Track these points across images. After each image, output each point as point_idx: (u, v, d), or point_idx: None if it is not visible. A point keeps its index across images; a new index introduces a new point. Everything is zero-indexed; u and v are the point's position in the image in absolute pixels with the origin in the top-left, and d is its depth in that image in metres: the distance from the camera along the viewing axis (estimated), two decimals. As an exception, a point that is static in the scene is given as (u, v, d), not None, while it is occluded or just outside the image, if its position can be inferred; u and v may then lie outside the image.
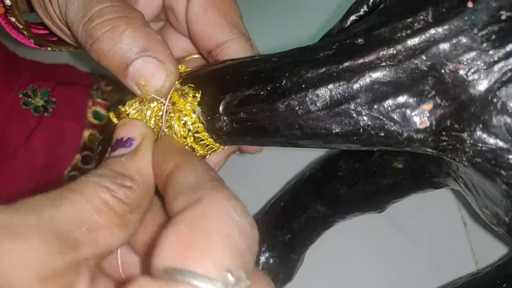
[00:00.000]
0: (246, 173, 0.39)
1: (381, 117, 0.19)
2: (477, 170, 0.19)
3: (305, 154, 0.36)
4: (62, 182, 0.38)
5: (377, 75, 0.19)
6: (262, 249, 0.33)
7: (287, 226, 0.32)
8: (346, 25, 0.27)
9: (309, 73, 0.20)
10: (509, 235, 0.21)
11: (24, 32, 0.27)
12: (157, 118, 0.22)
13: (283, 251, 0.33)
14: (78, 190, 0.17)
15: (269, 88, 0.20)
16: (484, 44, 0.18)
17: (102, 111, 0.40)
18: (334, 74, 0.19)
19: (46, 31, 0.30)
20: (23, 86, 0.37)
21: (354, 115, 0.19)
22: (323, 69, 0.19)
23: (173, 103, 0.22)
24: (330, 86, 0.19)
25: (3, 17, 0.27)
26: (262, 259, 0.33)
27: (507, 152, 0.17)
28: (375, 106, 0.19)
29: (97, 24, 0.21)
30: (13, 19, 0.26)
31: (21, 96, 0.37)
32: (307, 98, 0.20)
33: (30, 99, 0.38)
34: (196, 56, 0.28)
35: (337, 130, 0.20)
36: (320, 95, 0.19)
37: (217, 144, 0.23)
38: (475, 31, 0.18)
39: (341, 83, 0.19)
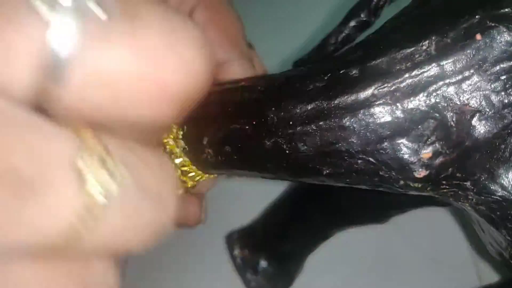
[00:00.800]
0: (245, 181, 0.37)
1: (375, 161, 0.17)
2: (481, 216, 0.17)
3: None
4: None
5: (372, 113, 0.17)
6: (262, 257, 0.32)
7: (287, 235, 0.31)
8: (346, 31, 0.25)
9: (297, 108, 0.18)
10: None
11: None
12: None
13: (283, 260, 0.32)
14: None
15: (254, 122, 0.19)
16: (494, 84, 0.15)
17: None
18: (325, 111, 0.17)
19: None
20: None
21: (345, 157, 0.17)
22: (313, 105, 0.18)
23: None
24: (321, 124, 0.17)
25: None
26: (262, 266, 0.32)
27: (515, 204, 0.16)
28: (369, 149, 0.17)
29: None
30: None
31: None
32: (295, 136, 0.18)
33: None
34: None
35: (327, 172, 0.18)
36: (309, 133, 0.18)
37: (204, 175, 0.22)
38: (484, 68, 0.15)
39: (333, 122, 0.17)
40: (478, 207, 0.17)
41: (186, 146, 0.21)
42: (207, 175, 0.22)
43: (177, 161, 0.21)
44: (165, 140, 0.21)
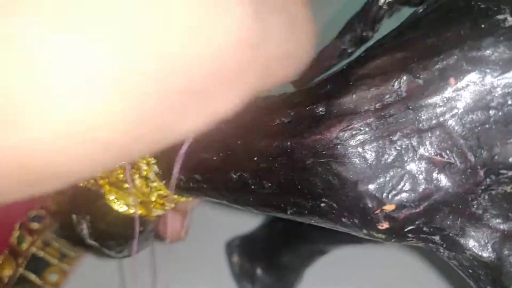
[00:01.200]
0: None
1: (337, 207, 0.16)
2: (455, 267, 0.16)
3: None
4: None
5: (335, 158, 0.16)
6: (260, 266, 0.32)
7: (286, 247, 0.31)
8: (342, 46, 0.23)
9: (262, 142, 0.17)
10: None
11: None
12: (121, 171, 0.21)
13: (280, 271, 0.32)
14: None
15: (221, 154, 0.18)
16: (468, 135, 0.14)
17: None
18: (288, 149, 0.16)
19: None
20: None
21: (309, 198, 0.16)
22: (276, 143, 0.17)
23: (134, 164, 0.21)
24: (284, 162, 0.16)
25: None
26: (259, 275, 0.32)
27: (486, 267, 0.14)
28: (332, 194, 0.16)
29: None
30: None
31: None
32: (259, 172, 0.17)
33: None
34: None
35: (291, 211, 0.17)
36: (272, 171, 0.17)
37: (179, 198, 0.21)
38: (458, 116, 0.14)
39: (295, 161, 0.16)
40: (450, 261, 0.15)
41: (160, 172, 0.20)
42: (183, 198, 0.22)
43: (152, 185, 0.21)
44: (140, 165, 0.20)
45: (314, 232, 0.30)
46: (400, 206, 0.15)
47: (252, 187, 0.17)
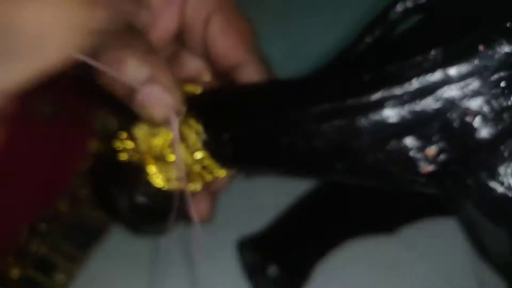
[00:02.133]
0: (259, 183, 0.39)
1: (383, 158, 0.18)
2: (481, 214, 0.18)
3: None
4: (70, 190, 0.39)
5: (381, 115, 0.18)
6: (272, 263, 0.33)
7: (298, 243, 0.33)
8: (360, 49, 0.26)
9: (313, 108, 0.20)
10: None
11: None
12: (164, 144, 0.23)
13: (294, 266, 0.33)
14: None
15: (273, 120, 0.20)
16: (494, 90, 0.17)
17: (109, 120, 0.40)
18: (338, 111, 0.19)
19: None
20: (30, 92, 0.38)
21: (357, 154, 0.19)
22: (328, 105, 0.19)
23: (181, 134, 0.22)
24: (334, 123, 0.19)
25: None
26: (271, 271, 0.33)
27: (513, 202, 0.17)
28: (379, 147, 0.18)
29: (103, 56, 0.21)
30: None
31: (28, 103, 0.37)
32: (311, 134, 0.19)
33: (36, 106, 0.38)
34: (207, 79, 0.28)
35: (339, 167, 0.19)
36: (323, 131, 0.19)
37: (222, 171, 0.23)
38: (485, 75, 0.17)
39: (345, 121, 0.19)
40: (479, 205, 0.18)
41: (207, 142, 0.22)
42: (225, 171, 0.23)
43: (198, 155, 0.23)
44: (187, 135, 0.22)
45: (327, 226, 0.32)
46: (441, 150, 0.17)
47: (303, 148, 0.20)
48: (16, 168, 0.37)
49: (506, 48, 0.17)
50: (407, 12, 0.25)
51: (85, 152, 0.39)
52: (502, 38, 0.17)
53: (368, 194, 0.29)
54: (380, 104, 0.18)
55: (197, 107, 0.23)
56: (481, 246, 0.22)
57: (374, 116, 0.18)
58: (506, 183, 0.17)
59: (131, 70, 0.21)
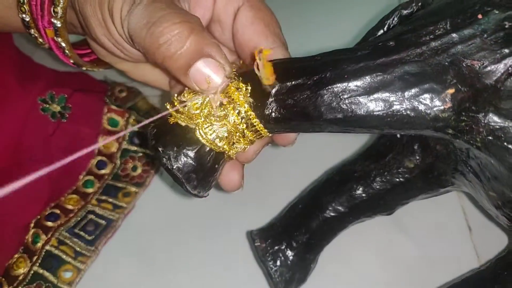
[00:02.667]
0: (266, 181, 0.42)
1: (412, 100, 0.23)
2: (488, 149, 0.23)
3: (321, 163, 0.40)
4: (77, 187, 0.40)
5: (407, 67, 0.23)
6: (281, 248, 0.35)
7: (305, 226, 0.35)
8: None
9: (349, 66, 0.24)
10: (513, 212, 0.25)
11: (67, 52, 0.30)
12: (212, 109, 0.26)
13: (301, 251, 0.35)
14: None
15: (315, 78, 0.24)
16: (493, 46, 0.22)
17: (117, 117, 0.42)
18: (372, 67, 0.23)
19: (83, 51, 0.33)
20: (41, 92, 0.38)
21: (389, 99, 0.23)
22: (362, 64, 0.24)
23: (229, 97, 0.25)
24: (368, 76, 0.23)
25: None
26: (281, 257, 0.35)
27: (515, 131, 0.22)
28: (407, 92, 0.23)
29: (164, 28, 0.24)
30: (59, 40, 0.29)
31: (39, 102, 0.38)
32: (349, 86, 0.24)
33: (47, 105, 0.39)
34: (233, 64, 0.32)
35: (374, 113, 0.23)
36: (360, 84, 0.24)
37: (265, 130, 0.26)
38: (485, 36, 0.22)
39: (378, 74, 0.23)
40: (487, 138, 0.22)
41: (253, 102, 0.25)
42: (266, 131, 0.26)
43: (245, 115, 0.25)
44: (235, 96, 0.25)
45: (332, 209, 0.35)
46: (457, 90, 0.22)
47: (342, 97, 0.24)
48: (26, 164, 0.38)
49: (498, 16, 0.22)
50: (401, 19, 0.31)
51: (93, 150, 0.40)
52: (494, 9, 0.23)
53: (370, 175, 0.33)
54: (405, 60, 0.23)
55: (241, 74, 0.26)
56: (487, 196, 0.27)
57: (402, 69, 0.23)
58: (508, 115, 0.22)
59: (191, 45, 0.24)
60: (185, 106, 0.26)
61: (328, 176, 0.36)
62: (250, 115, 0.26)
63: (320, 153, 0.42)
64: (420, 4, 0.29)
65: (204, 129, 0.26)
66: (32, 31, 0.30)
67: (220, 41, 0.32)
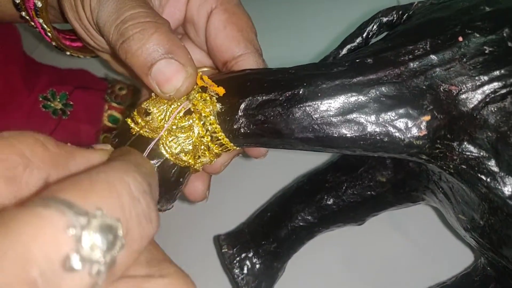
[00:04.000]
0: (235, 185, 0.40)
1: (386, 125, 0.22)
2: (461, 176, 0.22)
3: (292, 169, 0.39)
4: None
5: (384, 89, 0.22)
6: (248, 255, 0.34)
7: (273, 235, 0.34)
8: (341, 54, 0.31)
9: (324, 84, 0.23)
10: (481, 238, 0.24)
11: (48, 33, 0.29)
12: (176, 116, 0.24)
13: (268, 259, 0.34)
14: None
15: (287, 94, 0.23)
16: (471, 71, 0.21)
17: (117, 115, 0.42)
18: (347, 86, 0.22)
19: (70, 37, 0.32)
20: (42, 89, 0.39)
21: (362, 122, 0.22)
22: (337, 82, 0.23)
23: (194, 105, 0.24)
24: (343, 96, 0.22)
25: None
26: (248, 265, 0.34)
27: (488, 160, 0.21)
28: (382, 115, 0.22)
29: (129, 25, 0.23)
30: (41, 21, 0.28)
31: (41, 99, 0.39)
32: (322, 105, 0.22)
33: (49, 102, 0.39)
34: (206, 69, 0.30)
35: (347, 135, 0.22)
36: (334, 103, 0.22)
37: (231, 144, 0.25)
38: (464, 60, 0.22)
39: (353, 94, 0.22)
40: (460, 166, 0.22)
41: (221, 113, 0.24)
42: (233, 145, 0.25)
43: (210, 128, 0.24)
44: (201, 108, 0.24)
45: (301, 218, 0.34)
46: (433, 117, 0.21)
47: (314, 117, 0.23)
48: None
49: (478, 40, 0.22)
50: (380, 27, 0.30)
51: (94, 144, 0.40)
52: (475, 32, 0.22)
53: (341, 186, 0.33)
54: (382, 81, 0.22)
55: (213, 82, 0.25)
56: (456, 218, 0.26)
57: (378, 90, 0.22)
58: (482, 145, 0.21)
59: (153, 43, 0.23)
60: (148, 116, 0.24)
61: (299, 184, 0.35)
62: (216, 128, 0.24)
63: (292, 157, 0.41)
64: (400, 12, 0.28)
65: (169, 142, 0.24)
66: (23, 13, 0.29)
67: (195, 43, 0.30)
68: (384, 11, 0.29)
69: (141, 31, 0.23)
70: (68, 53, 0.32)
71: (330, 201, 0.33)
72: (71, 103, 0.40)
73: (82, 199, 0.13)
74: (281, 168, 0.39)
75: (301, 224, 0.34)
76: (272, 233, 0.35)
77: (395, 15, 0.29)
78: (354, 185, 0.32)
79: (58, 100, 0.39)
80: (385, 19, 0.29)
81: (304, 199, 0.34)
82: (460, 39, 0.22)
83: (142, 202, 0.15)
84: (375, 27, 0.30)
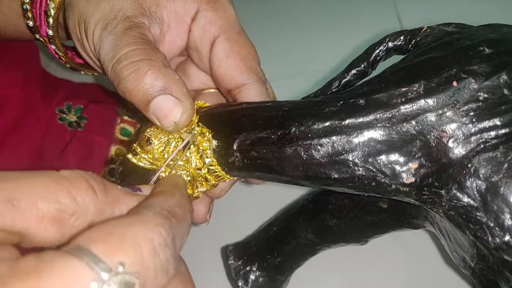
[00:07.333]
0: (244, 199, 0.41)
1: (374, 170, 0.22)
2: (450, 221, 0.22)
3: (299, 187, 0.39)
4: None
5: (373, 133, 0.22)
6: (253, 268, 0.35)
7: (278, 250, 0.35)
8: (348, 77, 0.30)
9: (315, 124, 0.23)
10: (473, 277, 0.24)
11: (62, 58, 0.30)
12: (176, 149, 0.25)
13: (272, 272, 0.36)
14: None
15: (279, 133, 0.24)
16: (464, 118, 0.21)
17: (129, 128, 0.43)
18: (337, 128, 0.22)
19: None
20: (59, 103, 0.41)
21: (351, 165, 0.22)
22: (328, 123, 0.23)
23: (192, 139, 0.25)
24: (333, 138, 0.22)
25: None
26: (252, 277, 0.36)
27: (476, 209, 0.21)
28: (370, 160, 0.22)
29: (124, 65, 0.24)
30: (53, 47, 0.29)
31: (57, 112, 0.41)
32: (312, 146, 0.23)
33: (65, 115, 0.41)
34: (213, 90, 0.31)
35: (335, 176, 0.23)
36: (323, 144, 0.23)
37: (227, 176, 0.26)
38: (457, 106, 0.21)
39: (342, 137, 0.22)
40: (449, 212, 0.22)
41: (217, 149, 0.25)
42: (229, 176, 0.26)
43: (207, 160, 0.25)
44: (198, 142, 0.25)
45: (304, 235, 0.35)
46: (421, 165, 0.21)
47: (304, 158, 0.23)
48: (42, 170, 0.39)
49: (473, 85, 0.21)
50: (388, 51, 0.30)
51: (106, 158, 0.41)
52: (470, 77, 0.21)
53: (344, 209, 0.33)
54: (372, 125, 0.22)
55: (208, 117, 0.25)
56: (450, 254, 0.26)
57: (367, 134, 0.22)
58: (471, 195, 0.21)
59: (148, 81, 0.24)
60: (149, 146, 0.26)
61: (304, 202, 0.35)
62: (212, 161, 0.25)
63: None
64: (408, 38, 0.28)
65: (165, 173, 0.25)
66: (37, 35, 0.31)
67: (200, 68, 0.31)
68: (392, 35, 0.29)
69: (135, 71, 0.24)
70: (82, 72, 0.34)
71: (332, 222, 0.33)
72: (86, 116, 0.41)
73: (110, 256, 0.14)
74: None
75: (303, 242, 0.35)
76: (277, 247, 0.36)
77: (402, 40, 0.28)
78: (356, 209, 0.32)
79: (73, 113, 0.41)
80: (391, 44, 0.29)
81: (307, 217, 0.35)
82: (455, 84, 0.21)
83: (161, 256, 0.16)
84: (382, 51, 0.29)
